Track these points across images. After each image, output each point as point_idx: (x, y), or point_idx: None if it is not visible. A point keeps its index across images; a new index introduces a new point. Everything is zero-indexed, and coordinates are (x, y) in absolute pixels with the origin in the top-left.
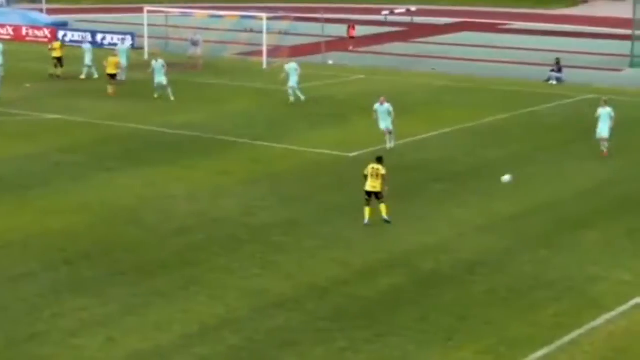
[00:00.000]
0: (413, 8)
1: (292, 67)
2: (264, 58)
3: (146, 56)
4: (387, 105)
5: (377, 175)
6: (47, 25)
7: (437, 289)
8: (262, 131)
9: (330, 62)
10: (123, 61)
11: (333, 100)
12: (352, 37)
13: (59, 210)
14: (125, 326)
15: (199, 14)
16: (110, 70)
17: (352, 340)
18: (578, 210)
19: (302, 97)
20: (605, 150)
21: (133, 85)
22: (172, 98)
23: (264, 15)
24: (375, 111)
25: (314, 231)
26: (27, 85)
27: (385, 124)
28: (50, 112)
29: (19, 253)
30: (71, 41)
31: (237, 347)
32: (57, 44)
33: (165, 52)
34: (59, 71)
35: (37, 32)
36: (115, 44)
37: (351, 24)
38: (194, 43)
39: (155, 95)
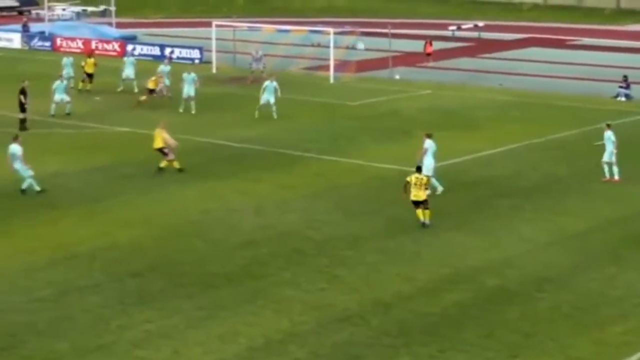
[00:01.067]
0: (480, 24)
1: (273, 85)
2: (331, 73)
3: (214, 70)
4: (429, 142)
5: (420, 185)
6: (116, 39)
7: (502, 305)
8: (327, 145)
9: (397, 77)
10: (167, 82)
11: (399, 115)
12: (428, 54)
13: (125, 223)
14: (190, 339)
15: (267, 29)
16: (151, 86)
17: (416, 356)
18: None
19: (275, 116)
20: (616, 177)
21: (199, 99)
22: (193, 112)
23: (331, 30)
24: (425, 149)
25: (379, 246)
26: (97, 98)
27: (427, 167)
28: (119, 125)
29: (85, 265)
30: (140, 55)
31: None
32: (90, 60)
33: (234, 66)
34: (88, 86)
35: (106, 46)
36: (183, 58)
37: (428, 40)
38: (257, 58)
39: (181, 110)
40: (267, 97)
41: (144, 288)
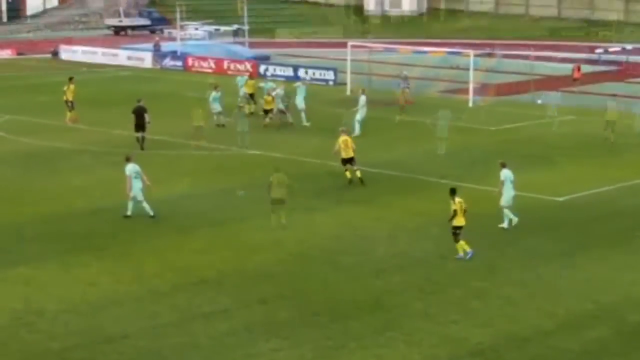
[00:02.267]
0: (629, 46)
1: (363, 99)
2: (470, 96)
3: (348, 92)
4: (506, 172)
5: (463, 210)
6: (249, 59)
7: None
8: (464, 172)
9: (539, 101)
10: (280, 105)
11: (541, 141)
12: (575, 79)
13: (254, 248)
14: None
15: (403, 50)
16: (266, 107)
17: None
18: None
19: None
20: None
21: (330, 122)
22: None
23: (471, 52)
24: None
25: (516, 277)
26: (228, 119)
27: (506, 199)
28: (249, 147)
29: (212, 290)
30: (273, 75)
31: None
32: (251, 82)
33: (369, 88)
34: (252, 107)
35: (238, 66)
36: (317, 79)
37: (577, 64)
38: (404, 79)
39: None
40: (361, 113)
41: (272, 315)
